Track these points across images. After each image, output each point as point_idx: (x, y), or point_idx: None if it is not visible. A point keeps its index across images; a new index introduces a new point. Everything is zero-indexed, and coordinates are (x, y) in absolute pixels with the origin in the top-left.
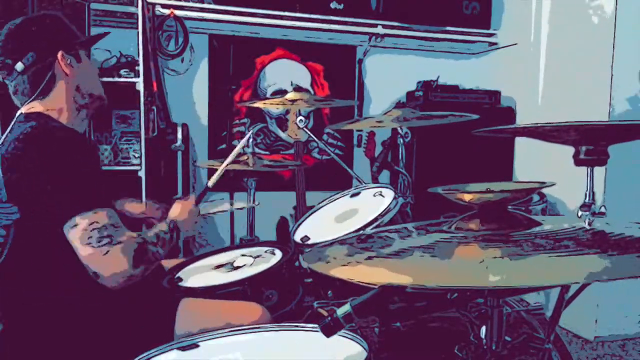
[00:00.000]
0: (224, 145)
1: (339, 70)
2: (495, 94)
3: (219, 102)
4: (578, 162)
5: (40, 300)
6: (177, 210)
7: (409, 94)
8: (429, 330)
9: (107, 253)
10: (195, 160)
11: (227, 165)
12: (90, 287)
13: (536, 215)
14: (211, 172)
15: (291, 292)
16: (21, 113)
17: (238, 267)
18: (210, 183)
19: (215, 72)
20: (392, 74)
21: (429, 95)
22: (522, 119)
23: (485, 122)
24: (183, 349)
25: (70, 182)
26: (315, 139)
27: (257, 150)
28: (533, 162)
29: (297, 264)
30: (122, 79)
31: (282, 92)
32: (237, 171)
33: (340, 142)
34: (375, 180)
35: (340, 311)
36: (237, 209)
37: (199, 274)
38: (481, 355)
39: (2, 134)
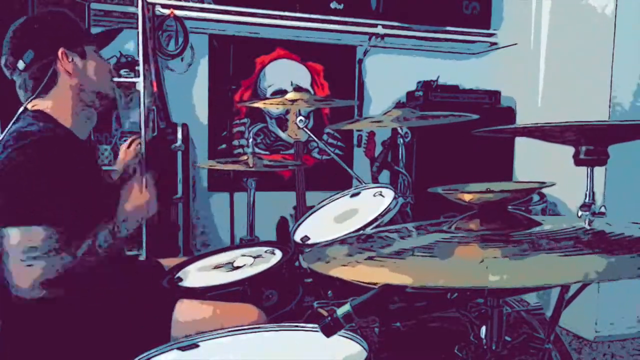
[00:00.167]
0: (224, 145)
1: (339, 70)
2: (495, 94)
3: (219, 102)
4: (578, 162)
5: (37, 300)
6: (127, 207)
7: (409, 94)
8: (429, 330)
9: (26, 276)
10: (195, 160)
11: None
12: (87, 287)
13: (536, 215)
14: (211, 172)
15: (291, 292)
16: (25, 108)
17: (238, 267)
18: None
19: (215, 72)
20: (392, 74)
21: (429, 95)
22: (522, 119)
23: (485, 122)
24: (183, 349)
25: (14, 186)
26: (315, 139)
27: (257, 150)
28: (533, 162)
29: (297, 264)
30: (122, 79)
31: (282, 92)
32: (237, 171)
33: (340, 142)
34: (375, 180)
35: (340, 311)
36: None
37: (199, 274)
38: (481, 355)
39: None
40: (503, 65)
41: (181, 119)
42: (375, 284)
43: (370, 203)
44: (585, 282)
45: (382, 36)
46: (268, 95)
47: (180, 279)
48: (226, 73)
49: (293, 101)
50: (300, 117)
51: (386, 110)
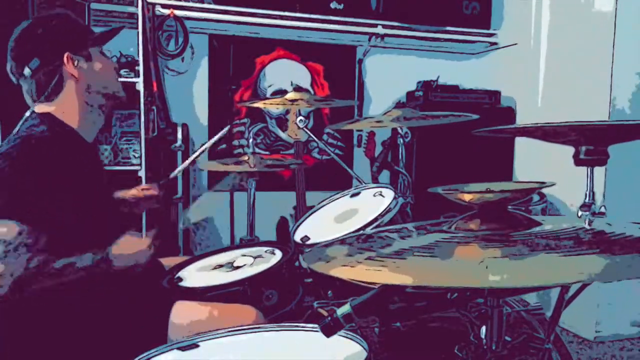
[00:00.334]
0: (224, 145)
1: (339, 70)
2: (495, 94)
3: (219, 102)
4: (578, 162)
5: (35, 300)
6: (120, 246)
7: (409, 94)
8: (429, 330)
9: None
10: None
11: (194, 158)
12: (86, 287)
13: (536, 215)
14: (211, 172)
15: (291, 292)
16: (33, 111)
17: (238, 267)
18: (172, 175)
19: (215, 72)
20: (392, 74)
21: (429, 95)
22: (522, 119)
23: (485, 122)
24: (183, 349)
25: (8, 188)
26: (315, 139)
27: (257, 150)
28: (533, 162)
29: (297, 264)
30: (122, 79)
31: (282, 92)
32: (237, 171)
33: (340, 142)
34: (375, 180)
35: (340, 311)
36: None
37: (199, 274)
38: (481, 355)
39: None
40: (503, 65)
41: (181, 119)
42: (375, 284)
43: (370, 203)
44: (585, 282)
45: (382, 36)
46: (268, 95)
47: (180, 279)
48: (226, 73)
49: (293, 101)
50: (300, 117)
51: (386, 110)
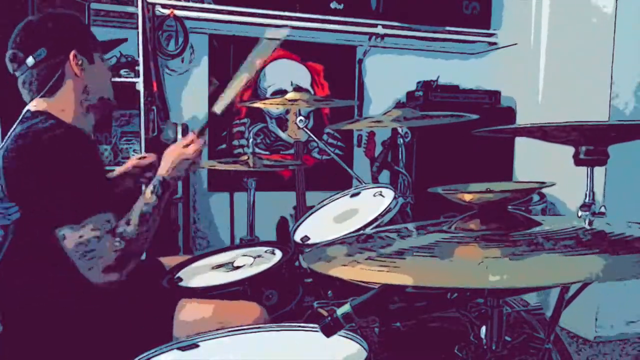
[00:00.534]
0: (224, 145)
1: (339, 70)
2: (495, 94)
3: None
4: (578, 162)
5: (38, 301)
6: (163, 163)
7: (409, 94)
8: (429, 330)
9: (91, 269)
10: None
11: (238, 88)
12: (88, 287)
13: (536, 215)
14: (211, 172)
15: (291, 292)
16: (28, 110)
17: (238, 267)
18: (217, 109)
19: (215, 72)
20: (392, 74)
21: (429, 95)
22: (522, 119)
23: (485, 122)
24: (183, 349)
25: (70, 182)
26: (315, 139)
27: (257, 150)
28: (533, 162)
29: (297, 264)
30: (122, 79)
31: (282, 92)
32: (237, 171)
33: (340, 142)
34: (375, 180)
35: (340, 311)
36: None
37: (199, 274)
38: (481, 355)
39: (1, 133)
40: (503, 65)
41: (181, 119)
42: (375, 284)
43: (370, 203)
44: (585, 282)
45: (382, 36)
46: (268, 95)
47: (180, 279)
48: (226, 73)
49: (293, 101)
50: (300, 117)
51: (386, 110)
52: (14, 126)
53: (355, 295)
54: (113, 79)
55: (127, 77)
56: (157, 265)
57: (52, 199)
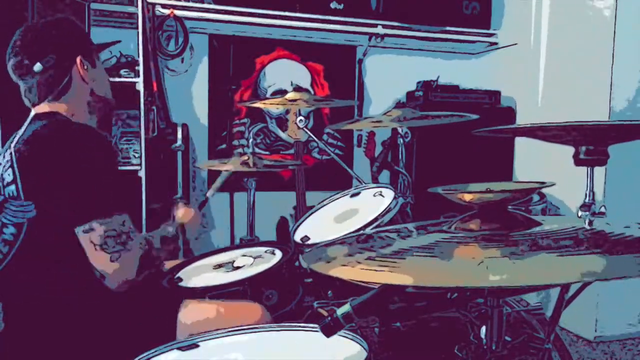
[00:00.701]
0: (224, 145)
1: (339, 70)
2: (495, 94)
3: (219, 102)
4: (578, 162)
5: (43, 300)
6: (182, 214)
7: (409, 94)
8: (429, 330)
9: (117, 259)
10: (195, 160)
11: (224, 178)
12: (94, 287)
13: (536, 215)
14: (211, 172)
15: (291, 292)
16: (37, 113)
17: (238, 267)
18: (209, 194)
19: (215, 72)
20: (392, 74)
21: (429, 95)
22: (522, 119)
23: (485, 122)
24: (183, 349)
25: (88, 180)
26: (315, 139)
27: (257, 150)
28: (533, 162)
29: (297, 264)
30: (122, 79)
31: (282, 92)
32: (237, 171)
33: (340, 142)
34: (375, 180)
35: (340, 311)
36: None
37: (199, 274)
38: (481, 355)
39: (1, 133)
40: (503, 65)
41: (181, 119)
42: (375, 284)
43: (370, 203)
44: (585, 282)
45: (382, 36)
46: (268, 95)
47: (180, 279)
48: (226, 73)
49: (293, 101)
50: (300, 117)
51: (386, 110)
52: (24, 127)
53: (355, 295)
54: (113, 79)
55: (127, 77)
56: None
57: (78, 193)
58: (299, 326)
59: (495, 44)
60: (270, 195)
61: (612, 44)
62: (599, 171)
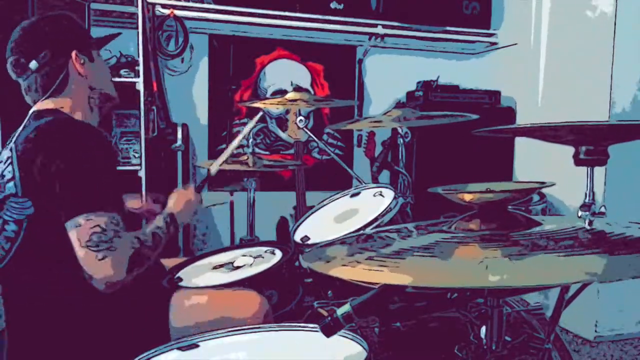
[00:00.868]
0: (224, 145)
1: (339, 70)
2: (495, 94)
3: (219, 102)
4: (578, 162)
5: (45, 298)
6: (174, 202)
7: (409, 94)
8: (429, 330)
9: (103, 259)
10: (195, 160)
11: (231, 151)
12: (91, 287)
13: (536, 215)
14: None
15: (291, 292)
16: (36, 110)
17: (238, 267)
18: (213, 170)
19: (215, 72)
20: (392, 74)
21: (429, 95)
22: (522, 119)
23: (485, 122)
24: (183, 349)
25: (79, 177)
26: (315, 139)
27: (257, 150)
28: (533, 162)
29: (297, 264)
30: (122, 79)
31: (282, 92)
32: (237, 171)
33: (340, 142)
34: (375, 180)
35: (340, 311)
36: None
37: (199, 274)
38: (481, 355)
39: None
40: (503, 65)
41: (181, 119)
42: (375, 284)
43: (370, 203)
44: (585, 282)
45: (382, 36)
46: (268, 95)
47: (180, 279)
48: (226, 73)
49: (293, 101)
50: (300, 117)
51: (386, 110)
52: (24, 124)
53: (355, 295)
54: (113, 79)
55: (127, 77)
56: (157, 265)
57: (69, 188)
58: (299, 326)
59: (495, 44)
60: (270, 195)
61: (612, 44)
62: (599, 171)
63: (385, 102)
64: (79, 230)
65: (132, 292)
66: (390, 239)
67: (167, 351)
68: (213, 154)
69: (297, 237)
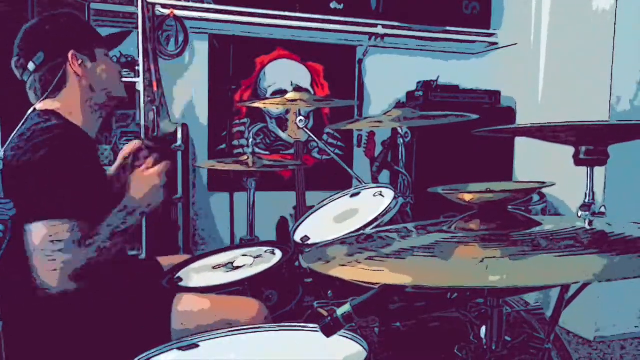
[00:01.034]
0: (223, 145)
1: (339, 70)
2: (495, 94)
3: (219, 102)
4: (578, 162)
5: (39, 298)
6: (134, 190)
7: (409, 94)
8: (429, 330)
9: (53, 271)
10: (195, 160)
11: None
12: (87, 285)
13: (536, 215)
14: (211, 172)
15: (291, 292)
16: (34, 109)
17: (238, 267)
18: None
19: (215, 72)
20: (392, 74)
21: (429, 95)
22: (522, 119)
23: (485, 122)
24: (183, 349)
25: (58, 179)
26: (315, 139)
27: (257, 150)
28: (533, 162)
29: (297, 264)
30: (122, 79)
31: (282, 92)
32: (237, 171)
33: (340, 142)
34: (375, 180)
35: (340, 311)
36: None
37: (199, 274)
38: (481, 355)
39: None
40: (503, 65)
41: (181, 119)
42: (375, 284)
43: (370, 203)
44: (585, 282)
45: (382, 36)
46: (268, 95)
47: (180, 279)
48: (226, 73)
49: (293, 101)
50: (300, 117)
51: (386, 110)
52: (20, 125)
53: (355, 295)
54: (122, 80)
55: (127, 77)
56: (157, 265)
57: (35, 193)
58: (299, 326)
59: (495, 44)
60: (270, 195)
61: (612, 44)
62: (599, 171)
63: (385, 102)
64: (36, 235)
65: (131, 292)
66: (390, 239)
67: (167, 351)
68: (213, 154)
69: (297, 237)
